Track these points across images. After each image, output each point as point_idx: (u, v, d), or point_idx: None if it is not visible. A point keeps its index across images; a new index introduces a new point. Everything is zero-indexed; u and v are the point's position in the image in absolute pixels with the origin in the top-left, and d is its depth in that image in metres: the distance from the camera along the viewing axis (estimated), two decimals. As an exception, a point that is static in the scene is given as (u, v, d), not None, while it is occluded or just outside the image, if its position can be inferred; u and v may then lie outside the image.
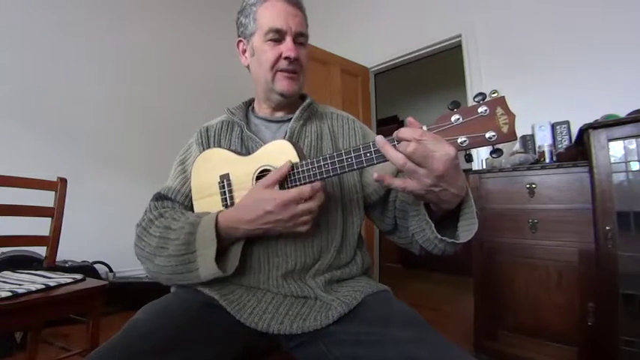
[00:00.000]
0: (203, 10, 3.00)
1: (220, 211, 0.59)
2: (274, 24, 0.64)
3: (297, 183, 0.56)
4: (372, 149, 0.49)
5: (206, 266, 0.55)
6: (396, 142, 0.47)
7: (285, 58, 0.64)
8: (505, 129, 0.43)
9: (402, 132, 0.46)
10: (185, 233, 0.56)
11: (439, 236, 0.53)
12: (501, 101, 0.44)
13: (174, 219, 0.61)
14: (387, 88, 3.92)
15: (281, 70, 0.66)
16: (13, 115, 1.95)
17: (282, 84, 0.67)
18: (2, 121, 1.91)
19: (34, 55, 2.05)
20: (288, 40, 0.65)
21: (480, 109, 0.44)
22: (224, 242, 0.58)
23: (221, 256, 0.58)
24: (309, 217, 0.54)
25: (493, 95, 0.45)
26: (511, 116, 0.43)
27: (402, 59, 2.54)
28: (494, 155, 0.47)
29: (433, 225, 0.54)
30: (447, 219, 0.56)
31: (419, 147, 0.44)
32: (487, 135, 0.44)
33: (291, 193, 0.52)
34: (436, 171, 0.45)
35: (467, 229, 0.53)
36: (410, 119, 0.49)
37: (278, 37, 0.65)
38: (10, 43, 1.96)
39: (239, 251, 0.59)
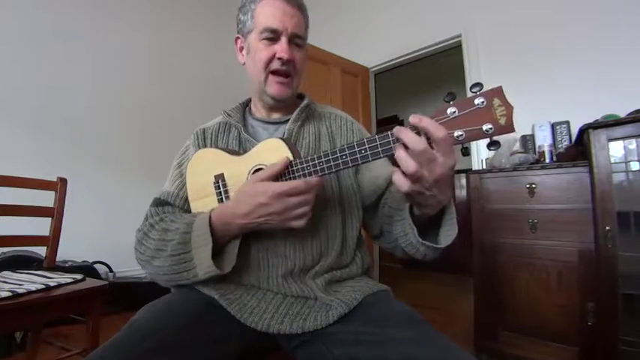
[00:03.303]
0: (201, 10, 3.00)
1: (214, 209, 0.59)
2: (270, 23, 0.63)
3: None
4: (367, 146, 0.49)
5: (202, 264, 0.55)
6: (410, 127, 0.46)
7: (279, 58, 0.64)
8: (503, 121, 0.42)
9: (426, 123, 0.44)
10: (181, 233, 0.57)
11: (421, 240, 0.54)
12: (498, 92, 0.43)
13: (173, 221, 0.61)
14: (387, 88, 3.93)
15: (273, 72, 0.66)
16: (12, 115, 1.95)
17: (274, 88, 0.66)
18: (2, 121, 1.91)
19: (34, 55, 2.05)
20: (283, 40, 0.64)
21: (476, 101, 0.43)
22: (221, 240, 0.58)
23: (218, 255, 0.58)
24: (303, 211, 0.53)
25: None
26: (509, 107, 0.42)
27: (402, 59, 2.54)
28: (492, 148, 0.45)
29: (416, 229, 0.55)
30: (429, 227, 0.57)
31: (427, 150, 0.44)
32: (484, 128, 0.43)
33: (285, 185, 0.52)
34: (433, 175, 0.45)
35: (447, 235, 0.54)
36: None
37: (273, 36, 0.64)
38: (10, 43, 1.96)
39: (236, 249, 0.59)
